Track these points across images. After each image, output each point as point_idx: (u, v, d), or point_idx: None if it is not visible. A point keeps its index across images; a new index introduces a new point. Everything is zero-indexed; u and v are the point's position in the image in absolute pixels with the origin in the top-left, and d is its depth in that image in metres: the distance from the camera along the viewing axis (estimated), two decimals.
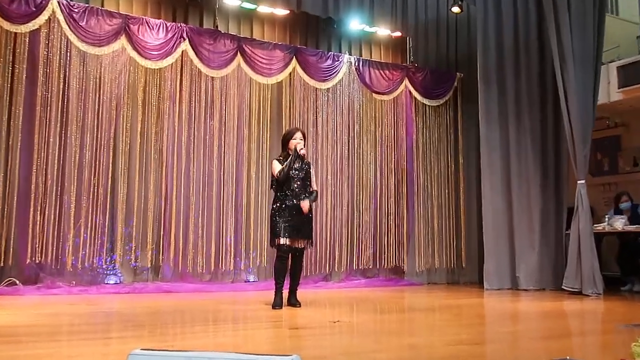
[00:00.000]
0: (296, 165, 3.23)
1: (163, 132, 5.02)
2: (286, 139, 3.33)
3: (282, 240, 3.14)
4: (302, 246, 3.24)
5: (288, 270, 3.23)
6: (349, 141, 5.83)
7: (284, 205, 3.17)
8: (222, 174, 5.17)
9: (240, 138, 5.28)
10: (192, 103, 5.16)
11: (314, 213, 3.37)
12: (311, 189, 3.30)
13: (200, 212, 5.05)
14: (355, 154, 5.85)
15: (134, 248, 4.78)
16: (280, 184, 3.23)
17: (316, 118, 5.67)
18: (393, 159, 6.08)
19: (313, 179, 3.35)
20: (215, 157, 5.17)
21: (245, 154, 5.30)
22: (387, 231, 5.94)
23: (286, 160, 3.25)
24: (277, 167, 3.28)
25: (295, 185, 3.19)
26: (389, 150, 6.03)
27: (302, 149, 3.23)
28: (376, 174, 5.94)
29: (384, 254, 5.86)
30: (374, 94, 5.99)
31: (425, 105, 6.27)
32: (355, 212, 5.80)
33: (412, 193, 6.08)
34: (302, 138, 3.33)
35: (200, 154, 5.14)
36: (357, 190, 5.81)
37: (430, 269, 6.07)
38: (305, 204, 3.16)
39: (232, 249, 5.11)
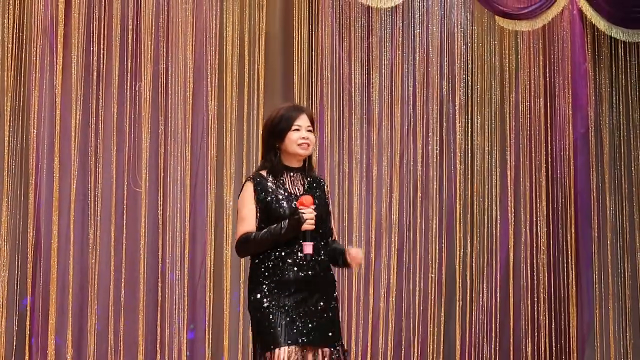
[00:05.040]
0: (299, 188, 3.21)
1: (30, 111, 4.71)
2: (278, 128, 3.19)
3: (284, 352, 3.02)
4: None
5: None
6: (441, 124, 5.49)
7: (283, 279, 3.10)
8: (161, 203, 4.92)
9: (201, 121, 5.02)
10: (92, 44, 4.81)
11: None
12: (333, 239, 3.28)
13: (111, 288, 4.74)
14: (458, 152, 5.51)
15: None
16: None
17: (368, 74, 5.31)
18: (544, 164, 5.64)
19: (331, 217, 3.35)
20: (145, 165, 4.88)
21: (212, 157, 5.03)
22: (532, 325, 5.48)
23: (272, 189, 3.16)
24: (246, 209, 3.16)
25: (304, 234, 3.10)
26: (534, 143, 5.64)
27: (310, 217, 3.05)
28: (505, 197, 5.58)
29: None
30: (498, 18, 5.51)
31: (617, 41, 5.78)
32: (456, 281, 5.43)
33: (586, 241, 5.63)
34: (309, 128, 3.20)
35: (112, 159, 4.84)
36: (461, 232, 5.48)
37: None
38: (358, 254, 3.19)
39: None
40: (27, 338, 4.55)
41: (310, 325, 3.10)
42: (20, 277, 4.61)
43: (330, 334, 3.13)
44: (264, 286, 3.10)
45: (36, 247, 4.61)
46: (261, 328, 3.08)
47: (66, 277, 4.61)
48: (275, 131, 3.15)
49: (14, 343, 4.55)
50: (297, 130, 3.12)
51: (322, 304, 3.13)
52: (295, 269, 3.09)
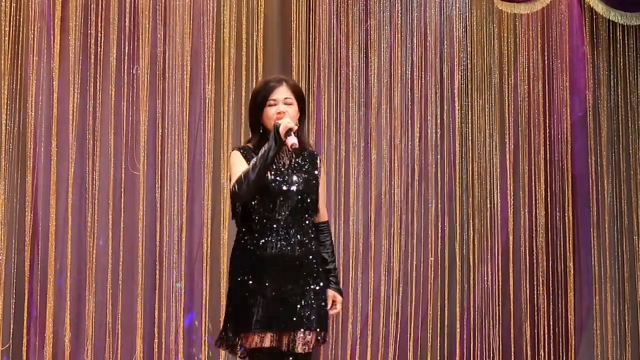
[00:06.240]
0: (285, 162, 3.11)
1: (27, 94, 4.72)
2: (255, 104, 3.15)
3: (251, 338, 3.03)
4: (305, 349, 3.06)
5: None
6: (441, 107, 5.48)
7: (263, 257, 3.06)
8: (159, 186, 4.94)
9: (198, 104, 5.03)
10: (89, 27, 4.82)
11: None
12: (318, 222, 3.17)
13: (109, 271, 4.76)
14: (457, 136, 5.52)
15: None
16: (245, 204, 3.12)
17: (366, 57, 5.32)
18: (542, 147, 5.63)
19: (322, 194, 3.21)
20: (143, 149, 4.91)
21: (209, 144, 5.01)
22: (531, 308, 5.47)
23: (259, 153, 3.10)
24: (237, 165, 3.09)
25: (283, 209, 3.06)
26: (532, 126, 5.63)
27: (288, 124, 2.99)
28: (504, 181, 5.57)
29: None
30: (497, 1, 5.51)
31: (615, 24, 5.74)
32: (456, 265, 5.44)
33: (584, 224, 5.63)
34: (288, 100, 3.09)
35: (109, 142, 4.86)
36: (462, 215, 5.49)
37: None
38: (337, 302, 3.19)
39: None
40: (25, 322, 4.57)
41: (290, 306, 3.06)
42: (17, 261, 4.63)
43: (317, 314, 3.09)
44: (244, 263, 3.08)
45: (34, 230, 4.64)
46: (234, 307, 3.07)
47: (64, 261, 4.64)
48: (254, 107, 3.12)
49: (12, 327, 4.58)
50: (273, 105, 3.06)
51: (301, 287, 3.09)
52: (275, 248, 3.06)
